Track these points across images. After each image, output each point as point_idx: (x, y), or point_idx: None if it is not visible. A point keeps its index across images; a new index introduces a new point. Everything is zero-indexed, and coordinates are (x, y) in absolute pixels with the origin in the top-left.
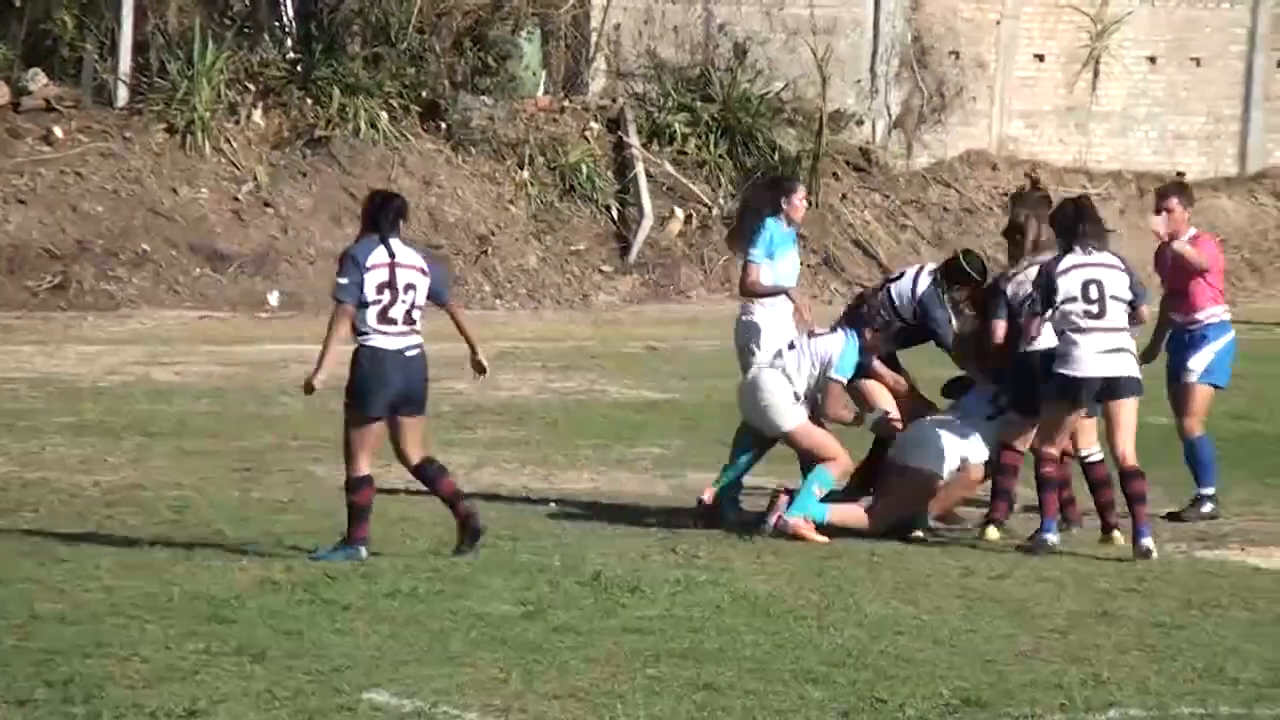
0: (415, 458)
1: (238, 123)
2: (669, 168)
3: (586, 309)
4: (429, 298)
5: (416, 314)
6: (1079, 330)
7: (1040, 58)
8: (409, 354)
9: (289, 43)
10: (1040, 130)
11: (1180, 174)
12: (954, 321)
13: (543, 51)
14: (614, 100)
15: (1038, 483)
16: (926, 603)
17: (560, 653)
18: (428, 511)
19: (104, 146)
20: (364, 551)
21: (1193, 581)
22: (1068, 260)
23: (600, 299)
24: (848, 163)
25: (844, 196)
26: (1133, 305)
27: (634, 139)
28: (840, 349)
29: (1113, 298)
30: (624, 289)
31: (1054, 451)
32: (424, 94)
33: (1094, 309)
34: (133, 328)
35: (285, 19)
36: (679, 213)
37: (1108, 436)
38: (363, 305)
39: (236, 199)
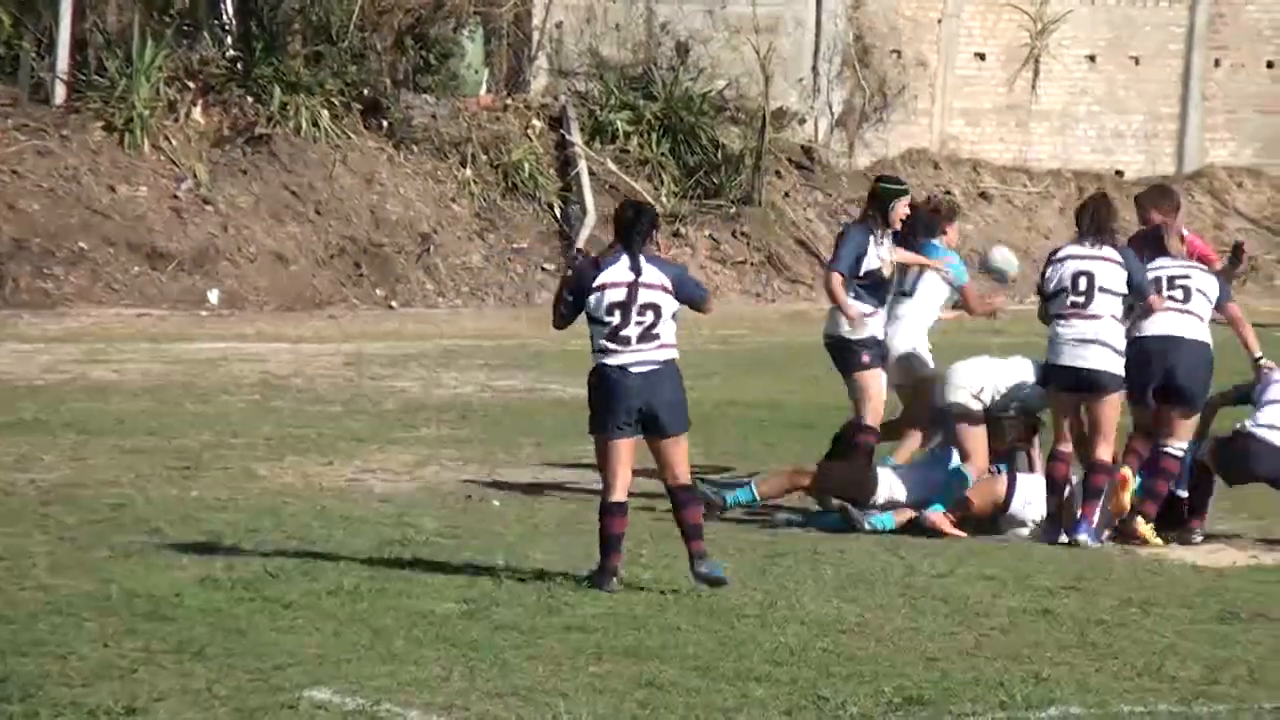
0: (670, 479)
1: (177, 120)
2: (611, 166)
3: (529, 307)
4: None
5: (661, 330)
6: (1062, 319)
7: (981, 56)
8: (635, 370)
9: (229, 40)
10: (981, 129)
11: (1119, 173)
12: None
13: (485, 50)
14: (556, 98)
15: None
16: (869, 601)
17: (503, 651)
18: (372, 511)
19: (41, 145)
20: (615, 582)
21: (1132, 579)
22: (1065, 251)
23: (543, 297)
24: (790, 161)
25: (786, 195)
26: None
27: (576, 137)
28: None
29: (1102, 290)
30: None
31: (1064, 449)
32: (365, 92)
33: (1080, 299)
34: (69, 326)
35: (225, 16)
36: None
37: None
38: (596, 323)
39: (176, 197)
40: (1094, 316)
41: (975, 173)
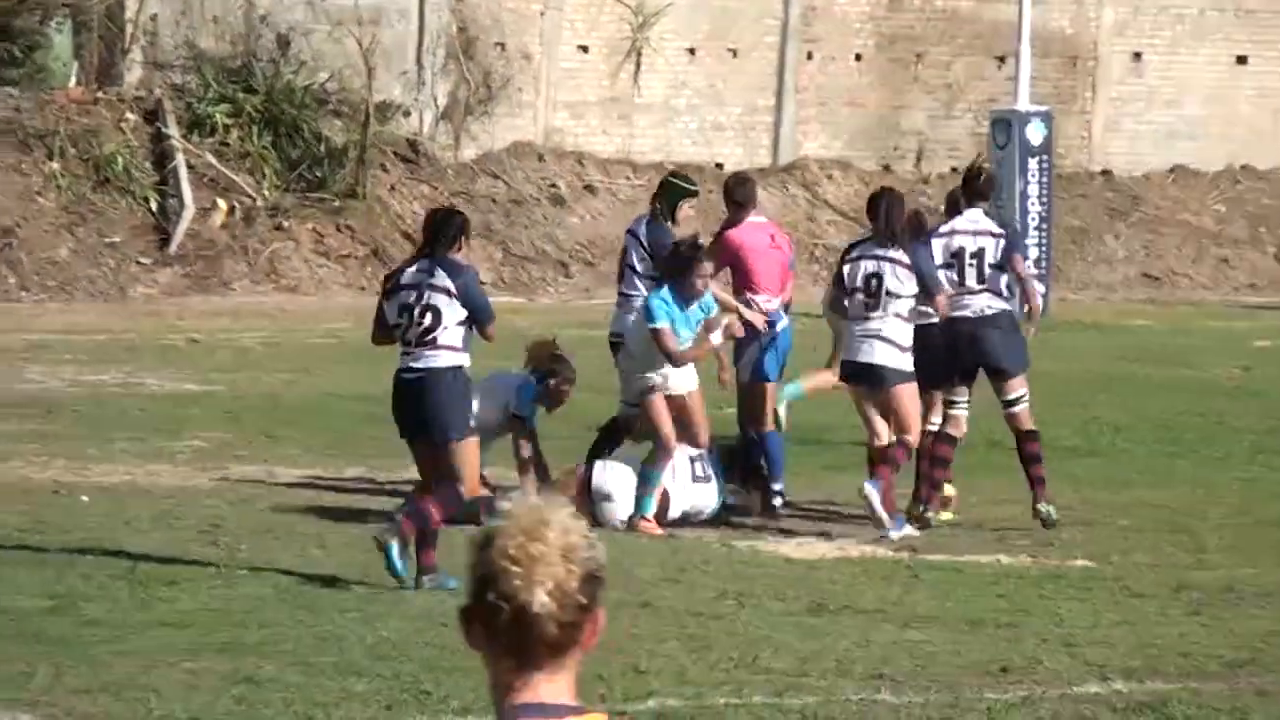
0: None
1: None
2: (211, 159)
3: (123, 301)
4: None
5: (437, 335)
6: (855, 319)
7: (584, 49)
8: (407, 376)
9: None
10: (585, 121)
11: (719, 165)
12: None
13: (75, 42)
14: (151, 91)
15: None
16: None
17: (92, 646)
18: None
19: None
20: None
21: (729, 572)
22: (859, 250)
23: (139, 291)
24: (395, 154)
25: (392, 188)
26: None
27: (173, 130)
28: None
29: (889, 293)
30: (164, 281)
31: (879, 443)
32: None
33: (871, 301)
34: None
35: None
36: (222, 204)
37: None
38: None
39: None
40: (881, 316)
41: (580, 165)
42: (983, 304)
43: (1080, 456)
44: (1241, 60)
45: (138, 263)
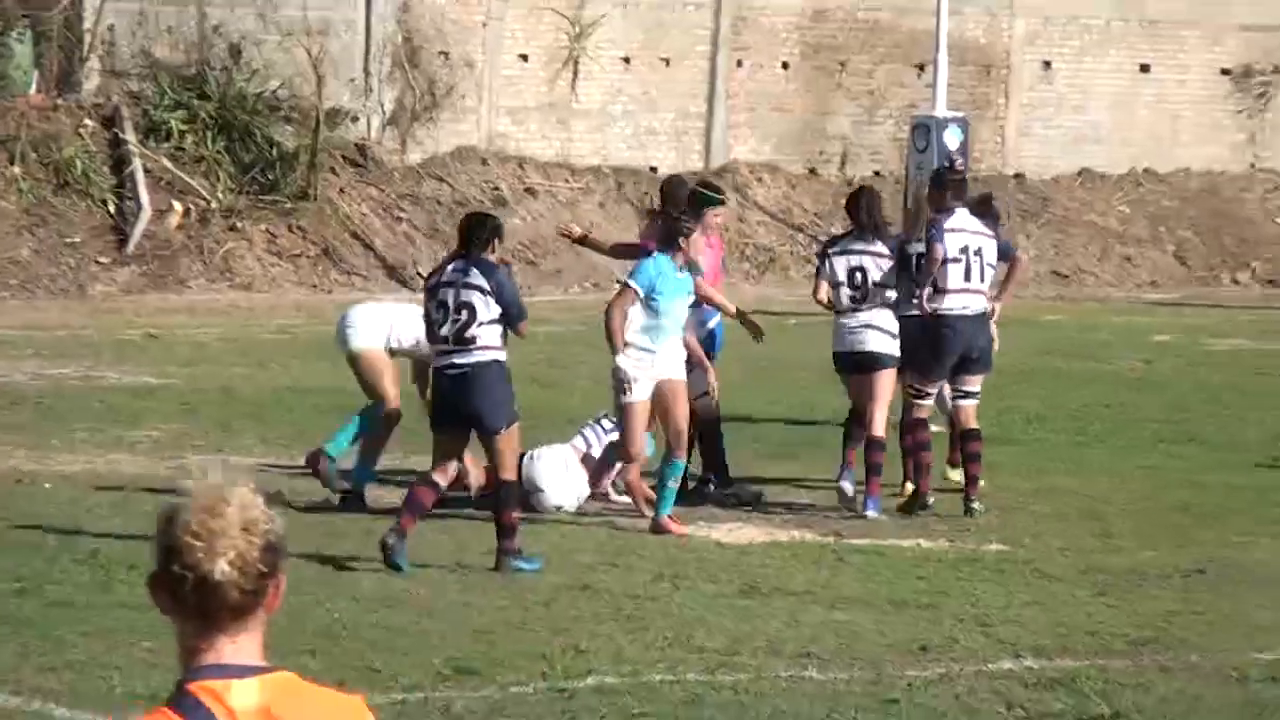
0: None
1: None
2: (166, 163)
3: (83, 299)
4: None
5: (473, 332)
6: (841, 310)
7: (525, 57)
8: (449, 372)
9: None
10: (526, 126)
11: (653, 168)
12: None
13: (35, 51)
14: (109, 98)
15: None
16: (422, 576)
17: (56, 627)
18: None
19: None
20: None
21: (664, 555)
22: (840, 245)
23: (98, 289)
24: (345, 158)
25: (341, 190)
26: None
27: (130, 135)
28: None
29: (875, 284)
30: (122, 279)
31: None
32: None
33: (856, 294)
34: None
35: None
36: (177, 206)
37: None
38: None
39: None
40: (871, 307)
41: (521, 169)
42: (984, 301)
43: (997, 445)
44: (1144, 69)
45: (97, 262)
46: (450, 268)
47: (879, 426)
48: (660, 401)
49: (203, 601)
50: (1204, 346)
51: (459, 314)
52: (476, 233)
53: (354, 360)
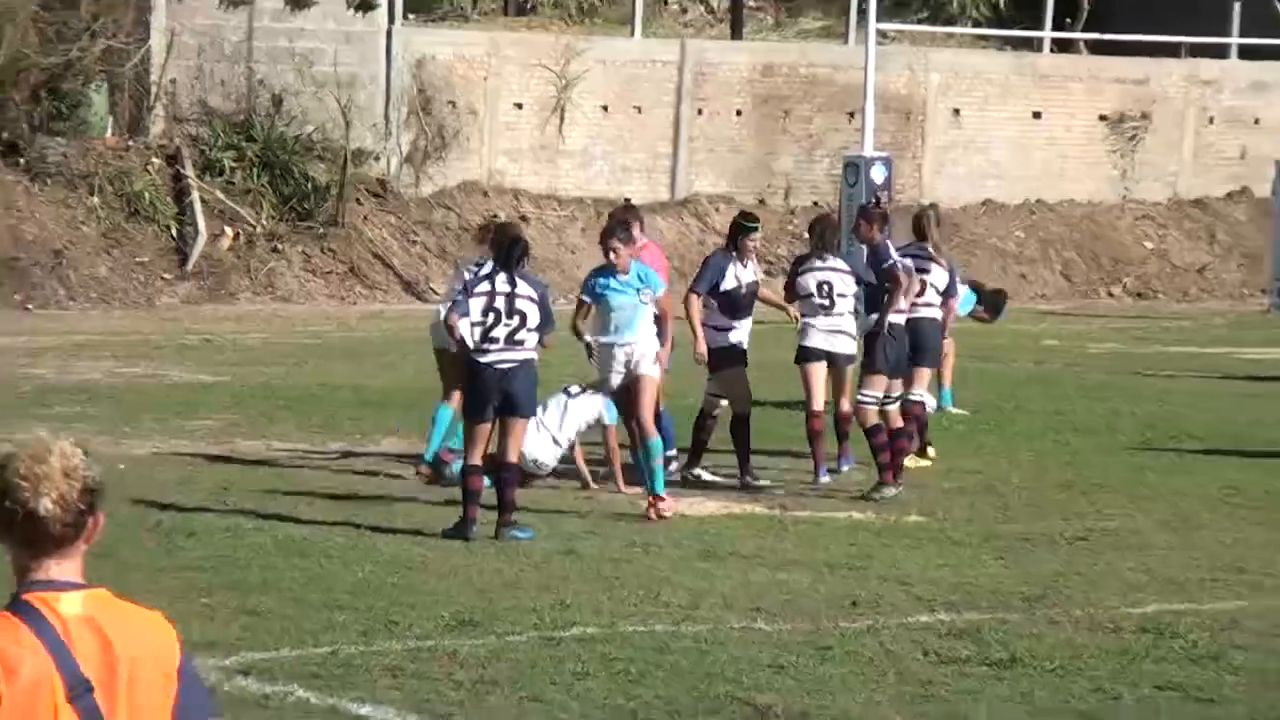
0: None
1: None
2: (220, 195)
3: (150, 309)
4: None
5: (523, 334)
6: (812, 316)
7: (519, 106)
8: (499, 367)
9: None
10: (520, 165)
11: (627, 199)
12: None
13: (110, 100)
14: (172, 140)
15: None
16: (434, 544)
17: (128, 585)
18: None
19: None
20: (474, 529)
21: (637, 526)
22: (806, 264)
23: (163, 301)
24: (368, 191)
25: (365, 218)
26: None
27: (190, 171)
28: None
29: (839, 295)
30: (183, 293)
31: (817, 408)
32: (5, 135)
33: (825, 303)
34: None
35: None
36: (228, 231)
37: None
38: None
39: None
40: (838, 314)
41: (516, 200)
42: (935, 311)
43: None
44: (1036, 115)
45: (162, 278)
46: (500, 278)
47: (847, 405)
48: (629, 391)
49: (30, 532)
50: (1085, 349)
51: (511, 319)
52: (513, 251)
53: (439, 354)
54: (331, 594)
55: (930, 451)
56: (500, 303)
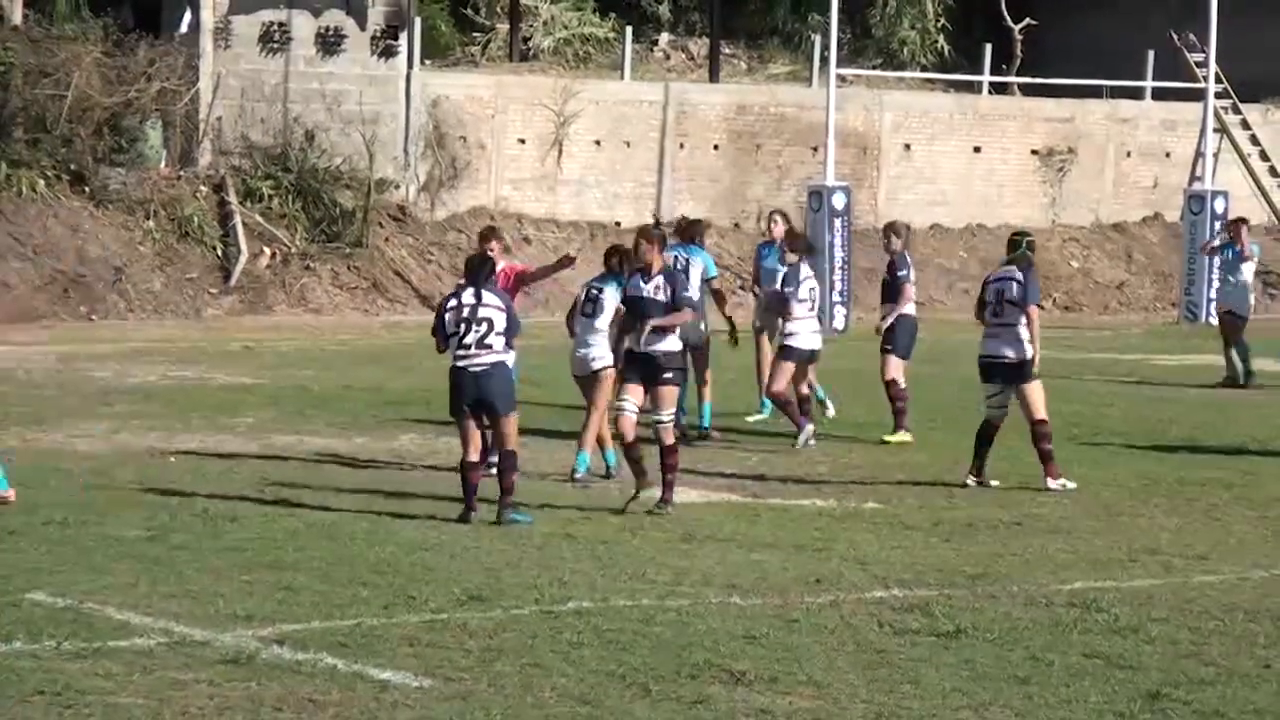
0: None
1: None
2: (259, 219)
3: (198, 320)
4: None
5: (491, 339)
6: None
7: (523, 140)
8: (473, 370)
9: None
10: (524, 192)
11: (618, 223)
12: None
13: (164, 135)
14: (218, 170)
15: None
16: (446, 528)
17: (178, 565)
18: (77, 464)
19: None
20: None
21: (628, 512)
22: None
23: (209, 313)
24: (389, 215)
25: (387, 239)
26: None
27: (233, 198)
28: None
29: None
30: (226, 305)
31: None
32: (72, 166)
33: (813, 307)
34: None
35: None
36: (267, 251)
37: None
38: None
39: None
40: (816, 317)
41: (520, 223)
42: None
43: (872, 429)
44: (977, 150)
45: (208, 292)
46: (468, 293)
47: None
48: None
49: None
50: None
51: (480, 326)
52: (480, 269)
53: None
54: (356, 572)
55: (905, 435)
56: (466, 313)
